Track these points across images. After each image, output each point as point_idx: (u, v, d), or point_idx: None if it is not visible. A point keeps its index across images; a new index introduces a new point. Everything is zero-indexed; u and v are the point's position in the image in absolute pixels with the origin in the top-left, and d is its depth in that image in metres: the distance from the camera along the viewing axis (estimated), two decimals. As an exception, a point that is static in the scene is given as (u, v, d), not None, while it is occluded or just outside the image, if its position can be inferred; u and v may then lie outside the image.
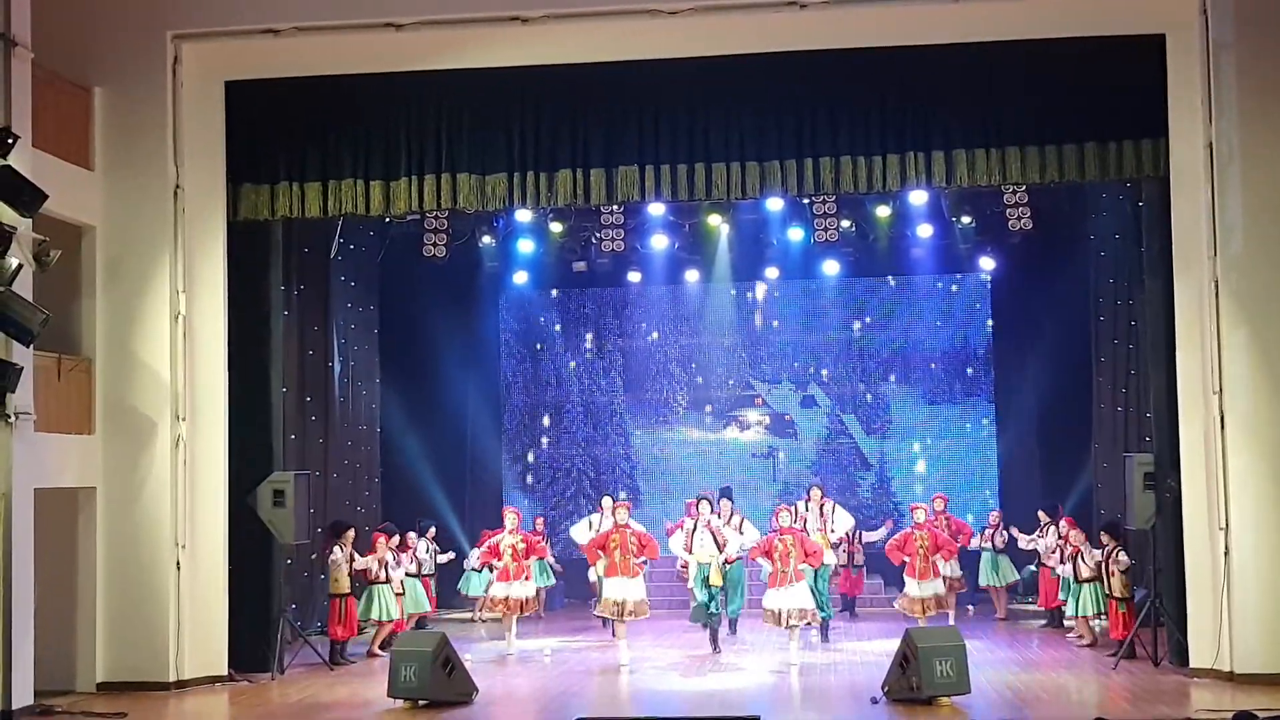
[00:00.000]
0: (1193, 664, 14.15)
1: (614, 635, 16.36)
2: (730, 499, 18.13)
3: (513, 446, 23.20)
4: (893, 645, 14.83)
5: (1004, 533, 19.16)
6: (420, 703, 13.37)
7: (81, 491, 14.83)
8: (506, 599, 16.97)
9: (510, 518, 17.52)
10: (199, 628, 15.01)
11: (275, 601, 15.65)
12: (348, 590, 16.50)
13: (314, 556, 18.23)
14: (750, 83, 14.93)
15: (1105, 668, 14.81)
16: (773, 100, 14.96)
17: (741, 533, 16.94)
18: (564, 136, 15.13)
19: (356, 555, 16.64)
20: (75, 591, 14.78)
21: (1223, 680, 13.73)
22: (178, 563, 14.89)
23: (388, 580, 16.92)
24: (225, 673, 15.11)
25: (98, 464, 14.88)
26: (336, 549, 16.49)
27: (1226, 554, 13.88)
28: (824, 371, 22.67)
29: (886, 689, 13.23)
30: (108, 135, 15.07)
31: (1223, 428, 13.98)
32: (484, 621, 19.27)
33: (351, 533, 16.82)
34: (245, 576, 15.41)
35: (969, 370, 22.38)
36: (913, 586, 16.82)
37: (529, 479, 23.04)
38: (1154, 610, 14.88)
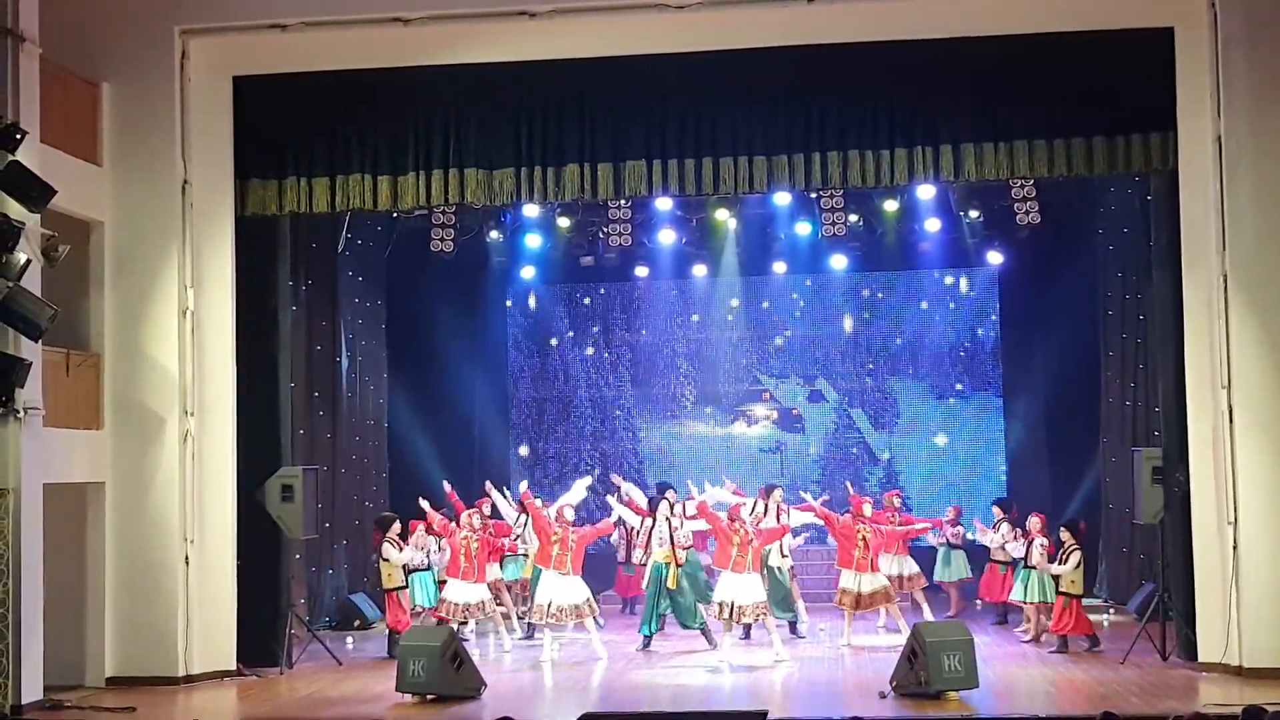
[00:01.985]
0: (1201, 658, 14.15)
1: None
2: (673, 489, 17.93)
3: (520, 441, 23.19)
4: (899, 640, 14.87)
5: (960, 528, 19.00)
6: (428, 697, 13.39)
7: (90, 486, 14.86)
8: (453, 603, 16.15)
9: (465, 516, 16.62)
10: (208, 623, 15.04)
11: (284, 596, 15.67)
12: (402, 583, 16.33)
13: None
14: (757, 77, 14.94)
15: (1114, 662, 14.79)
16: (780, 94, 14.97)
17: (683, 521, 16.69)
18: (571, 131, 15.16)
19: (403, 546, 16.47)
20: (84, 587, 14.81)
21: (1231, 675, 13.73)
22: (186, 558, 14.92)
23: (428, 567, 16.88)
24: (234, 668, 15.14)
25: (106, 459, 14.91)
26: (386, 544, 16.33)
27: (1235, 548, 13.88)
28: (831, 366, 22.65)
29: (895, 684, 13.24)
30: (116, 130, 15.09)
31: (1231, 422, 13.97)
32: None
33: (397, 525, 16.65)
34: (254, 571, 15.43)
35: (977, 365, 22.34)
36: (848, 579, 16.66)
37: (536, 473, 23.02)
38: (1162, 604, 14.88)
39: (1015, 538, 17.18)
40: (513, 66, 15.06)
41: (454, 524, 16.53)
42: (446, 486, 17.83)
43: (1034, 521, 16.71)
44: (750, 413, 22.84)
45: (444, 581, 16.76)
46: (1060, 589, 15.87)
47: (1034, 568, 16.37)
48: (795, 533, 17.90)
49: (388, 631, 16.47)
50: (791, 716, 12.25)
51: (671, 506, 16.79)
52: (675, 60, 14.96)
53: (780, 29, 14.67)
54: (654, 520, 16.76)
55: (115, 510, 14.91)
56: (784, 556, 17.35)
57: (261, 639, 15.35)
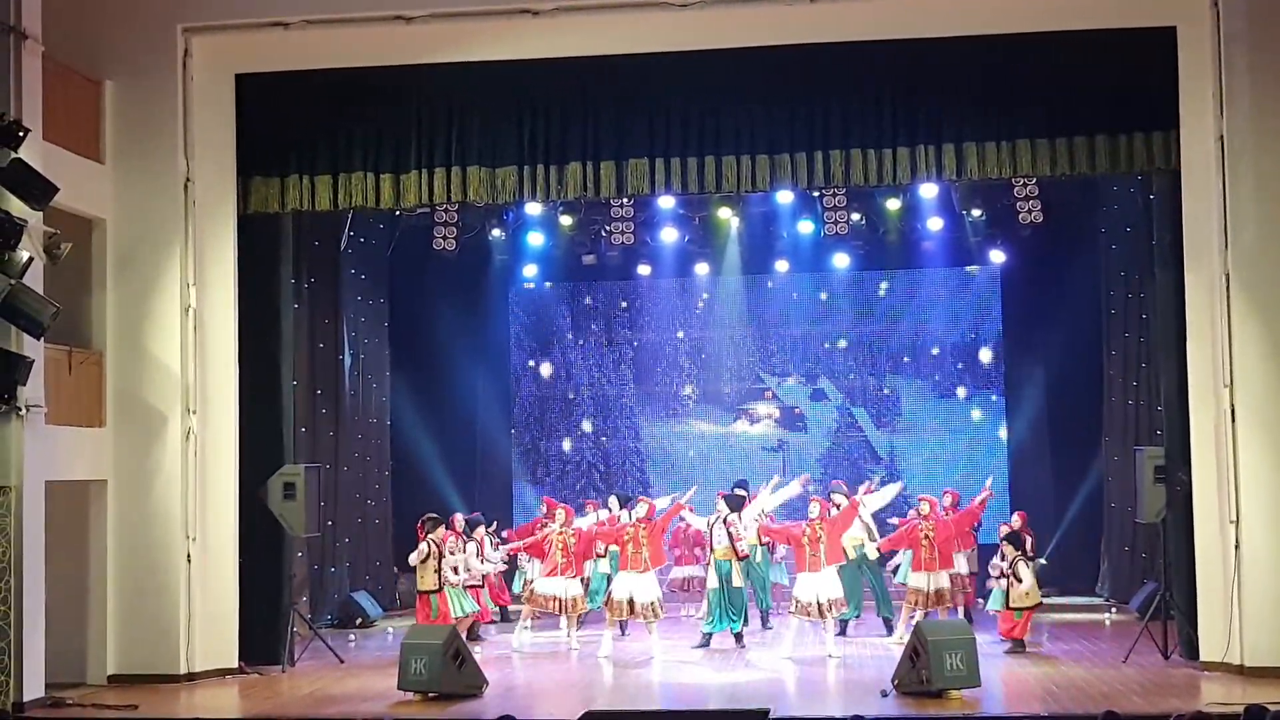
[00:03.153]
0: (1203, 657, 14.14)
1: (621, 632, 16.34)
2: (746, 489, 17.97)
3: (522, 439, 23.19)
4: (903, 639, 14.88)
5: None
6: (430, 695, 13.39)
7: (92, 484, 14.87)
8: (556, 598, 16.34)
9: (560, 512, 16.86)
10: (209, 620, 15.04)
11: (285, 594, 15.67)
12: (435, 586, 16.13)
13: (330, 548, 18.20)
14: (760, 75, 14.93)
15: (1115, 661, 14.79)
16: (782, 93, 14.96)
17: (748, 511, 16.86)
18: (574, 129, 15.15)
19: (445, 553, 16.30)
20: (86, 584, 14.82)
21: (1233, 673, 13.72)
22: (188, 555, 14.92)
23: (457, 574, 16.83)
24: (236, 665, 15.13)
25: (109, 457, 14.92)
26: (424, 545, 16.15)
27: (1237, 547, 13.87)
28: (834, 365, 22.65)
29: (896, 682, 13.24)
30: (118, 128, 15.09)
31: (1233, 421, 13.96)
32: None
33: (442, 529, 16.50)
34: (256, 569, 15.42)
35: (979, 363, 22.34)
36: (917, 579, 16.69)
37: (539, 472, 23.04)
38: (1164, 604, 14.88)
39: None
40: (515, 64, 15.05)
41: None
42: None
43: (1007, 549, 16.19)
44: (752, 411, 22.84)
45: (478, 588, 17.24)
46: (1010, 603, 15.72)
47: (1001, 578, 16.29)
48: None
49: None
50: (793, 715, 12.24)
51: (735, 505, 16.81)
52: (678, 58, 14.94)
53: (783, 27, 14.66)
54: (713, 520, 16.65)
55: (117, 508, 14.91)
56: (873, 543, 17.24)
57: (263, 637, 15.35)
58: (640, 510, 16.29)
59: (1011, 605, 15.71)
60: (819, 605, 15.49)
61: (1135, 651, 14.90)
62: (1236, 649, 13.81)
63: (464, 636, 15.56)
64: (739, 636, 16.42)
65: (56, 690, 13.68)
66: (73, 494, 14.61)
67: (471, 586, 17.15)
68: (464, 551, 17.02)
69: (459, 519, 17.91)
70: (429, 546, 16.15)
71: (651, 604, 15.85)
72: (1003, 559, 16.02)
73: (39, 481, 13.45)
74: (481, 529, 17.81)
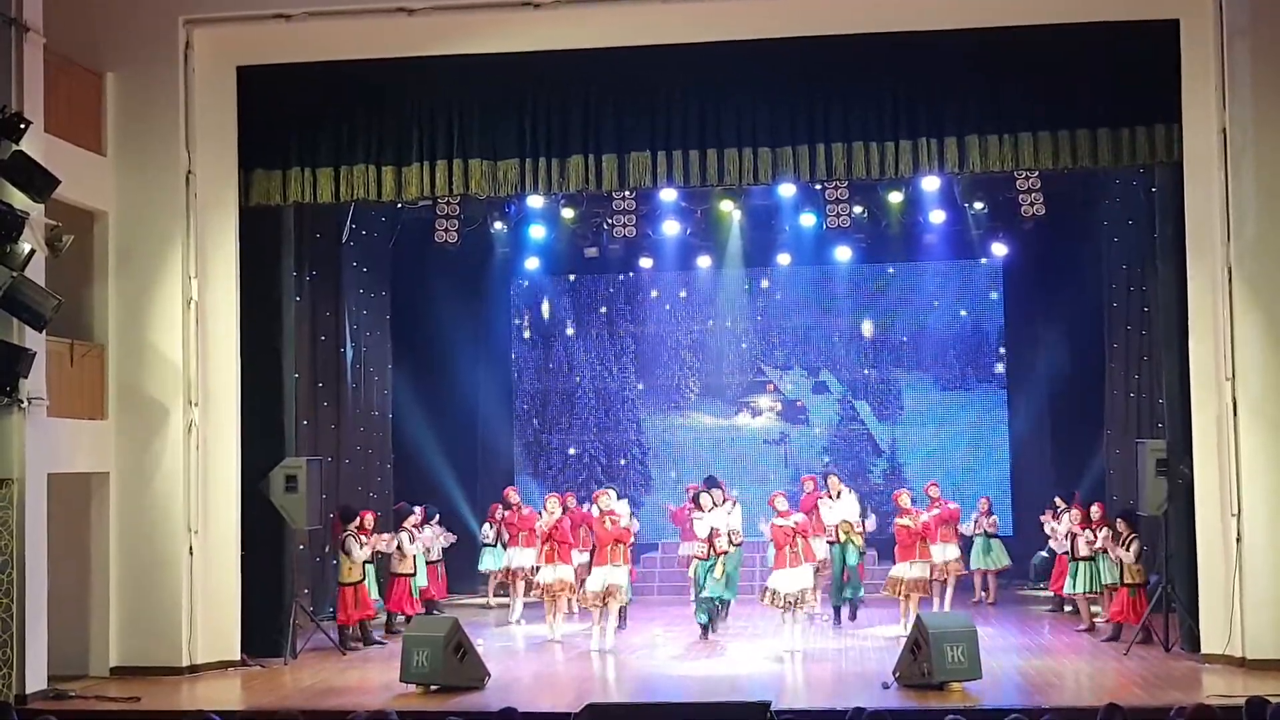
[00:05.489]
0: (1204, 650, 14.15)
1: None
2: (719, 486, 18.07)
3: (524, 432, 23.22)
4: (903, 630, 14.89)
5: (994, 517, 19.50)
6: (432, 687, 13.40)
7: (94, 476, 14.87)
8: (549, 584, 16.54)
9: (552, 502, 16.99)
10: (212, 613, 15.04)
11: (287, 586, 15.67)
12: (359, 578, 16.44)
13: (326, 547, 18.26)
14: (762, 68, 14.92)
15: (1117, 653, 14.80)
16: (785, 85, 14.96)
17: (728, 515, 17.02)
18: (576, 122, 15.13)
19: (365, 540, 16.62)
20: (88, 576, 14.83)
21: (1234, 666, 13.73)
22: (190, 548, 14.92)
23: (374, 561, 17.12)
24: (238, 657, 15.14)
25: (110, 449, 14.92)
26: (348, 538, 16.47)
27: (1239, 540, 13.88)
28: (835, 358, 22.66)
29: (898, 674, 13.25)
30: (120, 120, 15.08)
31: (1235, 414, 13.96)
32: (493, 607, 19.33)
33: (359, 518, 16.83)
34: (258, 561, 15.41)
35: (981, 356, 22.35)
36: (898, 569, 16.83)
37: (540, 464, 23.05)
38: (1165, 596, 14.89)
39: (1083, 529, 17.30)
40: (517, 57, 15.04)
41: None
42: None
43: (1075, 514, 16.86)
44: (754, 404, 22.85)
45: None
46: (1125, 580, 15.80)
47: (1081, 559, 16.46)
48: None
49: (338, 626, 16.58)
50: (794, 707, 12.23)
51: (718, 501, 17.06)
52: (680, 51, 14.92)
53: (785, 20, 14.66)
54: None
55: (119, 501, 14.92)
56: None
57: (265, 629, 15.35)
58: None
59: (1128, 581, 15.76)
60: (787, 599, 15.48)
61: (1137, 644, 14.91)
62: (1238, 641, 13.82)
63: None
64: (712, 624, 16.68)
65: (59, 682, 13.71)
66: (75, 486, 14.62)
67: (404, 575, 17.37)
68: (395, 540, 17.34)
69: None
70: (353, 539, 16.40)
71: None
72: (1110, 536, 16.12)
73: (41, 474, 13.46)
74: (413, 518, 17.89)
